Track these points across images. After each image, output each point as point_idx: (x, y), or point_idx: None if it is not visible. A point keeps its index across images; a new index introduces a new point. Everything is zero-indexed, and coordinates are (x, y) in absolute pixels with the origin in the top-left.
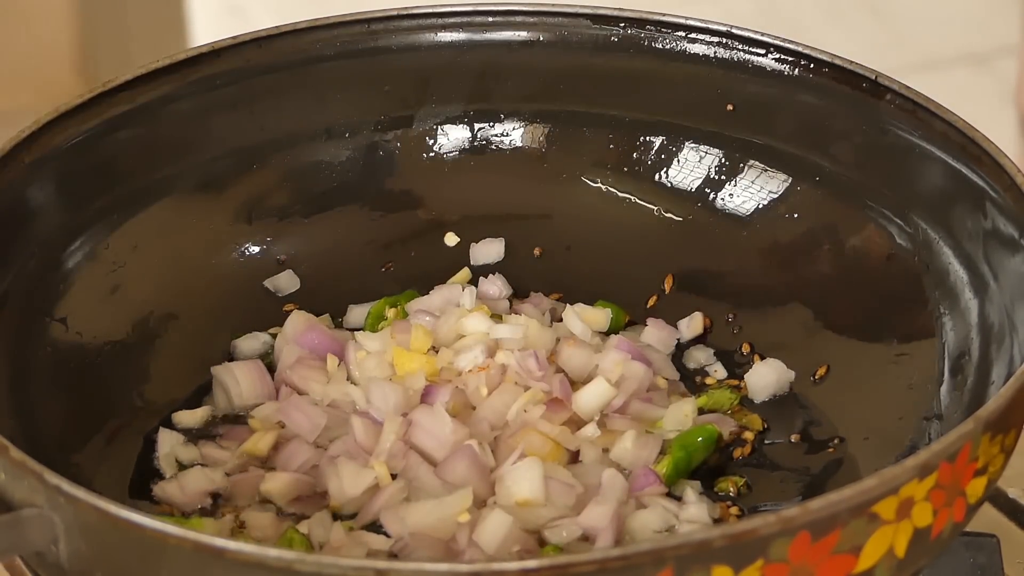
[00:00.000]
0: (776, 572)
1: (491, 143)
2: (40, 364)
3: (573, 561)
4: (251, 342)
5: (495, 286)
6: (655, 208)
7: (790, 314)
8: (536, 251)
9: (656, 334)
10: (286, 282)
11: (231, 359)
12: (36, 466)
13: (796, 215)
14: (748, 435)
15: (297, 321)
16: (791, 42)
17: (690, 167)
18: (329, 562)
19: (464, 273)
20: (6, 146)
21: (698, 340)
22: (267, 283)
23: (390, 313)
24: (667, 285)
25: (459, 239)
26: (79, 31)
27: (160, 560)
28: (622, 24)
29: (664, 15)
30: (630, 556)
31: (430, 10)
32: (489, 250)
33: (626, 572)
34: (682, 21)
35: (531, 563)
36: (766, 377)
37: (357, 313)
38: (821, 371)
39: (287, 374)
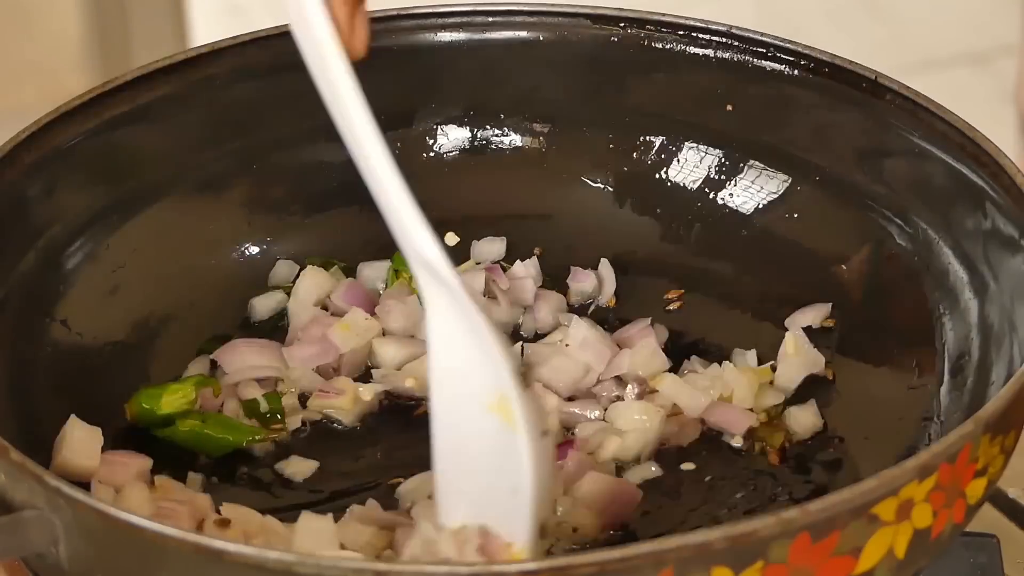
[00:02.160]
0: (776, 573)
1: (491, 143)
2: (40, 365)
3: (573, 563)
4: (267, 301)
5: (527, 268)
6: (655, 208)
7: (789, 315)
8: (536, 251)
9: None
10: (285, 272)
11: (247, 320)
12: (36, 468)
13: (796, 215)
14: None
15: (315, 278)
16: (791, 42)
17: (690, 167)
18: (329, 563)
19: (469, 265)
20: (6, 146)
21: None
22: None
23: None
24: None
25: (459, 239)
26: (83, 31)
27: (160, 562)
28: (622, 24)
29: (664, 15)
30: (630, 558)
31: (430, 10)
32: (491, 248)
33: (626, 573)
34: (682, 21)
35: (531, 564)
36: (793, 367)
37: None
38: (828, 373)
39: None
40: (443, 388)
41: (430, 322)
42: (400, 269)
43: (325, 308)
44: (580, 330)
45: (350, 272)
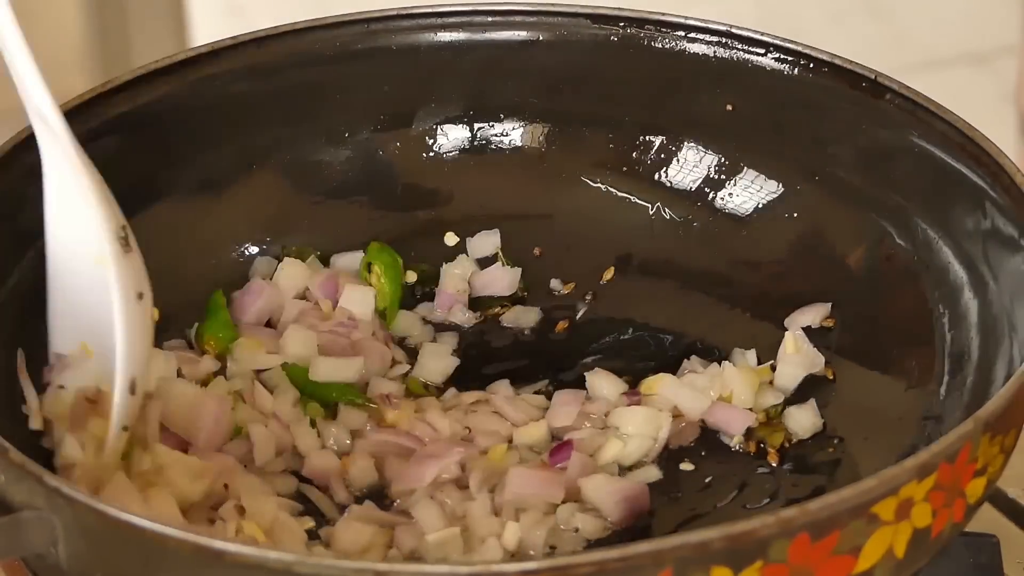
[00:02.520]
0: (776, 573)
1: (491, 143)
2: (40, 366)
3: (573, 562)
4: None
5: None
6: (655, 208)
7: (789, 315)
8: (536, 251)
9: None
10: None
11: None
12: (36, 468)
13: (796, 215)
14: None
15: (294, 270)
16: (791, 42)
17: (690, 167)
18: (329, 563)
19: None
20: (6, 146)
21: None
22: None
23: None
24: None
25: (459, 239)
26: (83, 31)
27: (160, 562)
28: (622, 24)
29: (664, 15)
30: (629, 557)
31: (430, 10)
32: (486, 242)
33: (626, 573)
34: (682, 21)
35: (531, 564)
36: (793, 366)
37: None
38: (828, 372)
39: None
40: (57, 237)
41: (46, 171)
42: (373, 261)
43: (304, 299)
44: (500, 390)
45: (327, 261)
